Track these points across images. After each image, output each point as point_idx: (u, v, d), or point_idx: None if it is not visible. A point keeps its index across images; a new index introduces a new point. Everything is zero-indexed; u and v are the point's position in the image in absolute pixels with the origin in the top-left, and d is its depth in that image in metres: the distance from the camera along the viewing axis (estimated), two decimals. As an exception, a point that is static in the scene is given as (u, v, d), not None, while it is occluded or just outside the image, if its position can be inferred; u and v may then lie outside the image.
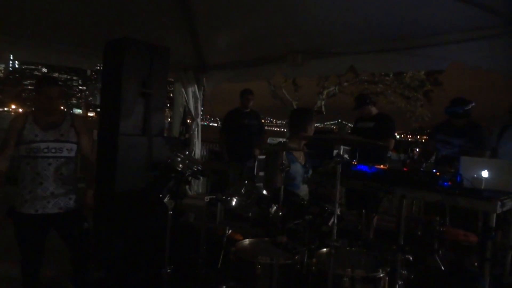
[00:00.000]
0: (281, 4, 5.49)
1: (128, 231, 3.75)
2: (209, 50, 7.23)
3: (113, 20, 5.35)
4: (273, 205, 2.16)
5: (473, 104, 4.23)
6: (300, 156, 3.33)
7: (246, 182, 2.32)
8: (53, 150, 2.90)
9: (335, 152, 4.19)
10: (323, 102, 16.26)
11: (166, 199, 2.64)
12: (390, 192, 3.42)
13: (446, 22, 4.73)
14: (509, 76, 4.61)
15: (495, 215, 2.94)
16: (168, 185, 2.50)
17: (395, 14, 4.88)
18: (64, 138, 2.96)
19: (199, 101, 7.89)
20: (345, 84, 16.26)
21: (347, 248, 2.25)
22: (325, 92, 16.28)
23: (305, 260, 2.12)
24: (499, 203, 2.93)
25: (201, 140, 8.32)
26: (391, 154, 6.53)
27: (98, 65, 6.13)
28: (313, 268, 2.08)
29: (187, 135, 8.45)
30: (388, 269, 1.99)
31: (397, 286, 1.93)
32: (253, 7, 5.74)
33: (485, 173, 3.23)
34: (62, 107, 3.13)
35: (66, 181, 2.98)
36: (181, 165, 2.45)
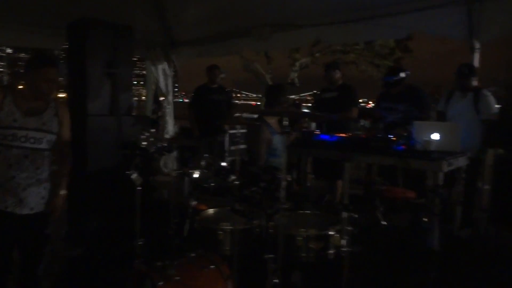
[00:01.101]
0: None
1: (102, 209, 3.87)
2: (177, 26, 7.21)
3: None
4: (231, 175, 2.33)
5: (407, 72, 4.44)
6: (278, 127, 3.53)
7: (205, 155, 2.47)
8: (32, 140, 2.46)
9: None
10: (296, 74, 16.38)
11: (133, 176, 2.76)
12: (349, 159, 3.61)
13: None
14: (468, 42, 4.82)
15: (442, 173, 3.19)
16: (134, 162, 2.62)
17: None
18: (46, 127, 2.54)
19: (169, 78, 7.89)
20: (317, 54, 16.38)
21: (302, 212, 2.45)
22: (297, 64, 16.38)
23: (264, 223, 2.30)
24: (446, 163, 3.17)
25: (175, 117, 8.37)
26: (364, 122, 6.76)
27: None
28: (271, 230, 2.27)
29: (159, 113, 8.48)
30: (338, 227, 2.20)
31: (343, 242, 2.14)
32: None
33: (435, 136, 3.45)
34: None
35: (41, 177, 2.57)
36: (145, 143, 2.57)
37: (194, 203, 2.60)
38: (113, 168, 4.03)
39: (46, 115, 2.56)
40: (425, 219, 3.16)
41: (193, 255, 2.61)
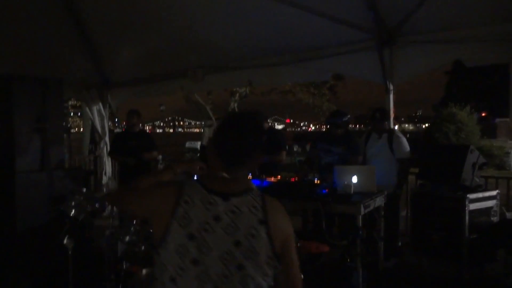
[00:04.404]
0: (176, 23, 5.76)
1: (34, 268, 3.78)
2: (111, 67, 7.29)
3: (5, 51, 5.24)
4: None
5: (349, 116, 4.79)
6: None
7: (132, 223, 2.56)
8: None
9: None
10: (236, 104, 16.72)
11: (65, 241, 2.77)
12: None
13: (325, 38, 5.33)
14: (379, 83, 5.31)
15: (360, 216, 3.48)
16: (64, 230, 2.64)
17: (282, 33, 5.40)
18: None
19: (105, 119, 7.84)
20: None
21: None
22: (237, 94, 16.75)
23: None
24: (363, 206, 3.47)
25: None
26: (297, 148, 7.10)
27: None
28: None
29: (97, 153, 8.33)
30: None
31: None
32: (150, 26, 5.95)
33: (354, 179, 3.76)
34: None
35: None
36: (73, 211, 2.61)
37: (127, 265, 2.66)
38: (45, 225, 3.97)
39: None
40: (348, 259, 3.40)
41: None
